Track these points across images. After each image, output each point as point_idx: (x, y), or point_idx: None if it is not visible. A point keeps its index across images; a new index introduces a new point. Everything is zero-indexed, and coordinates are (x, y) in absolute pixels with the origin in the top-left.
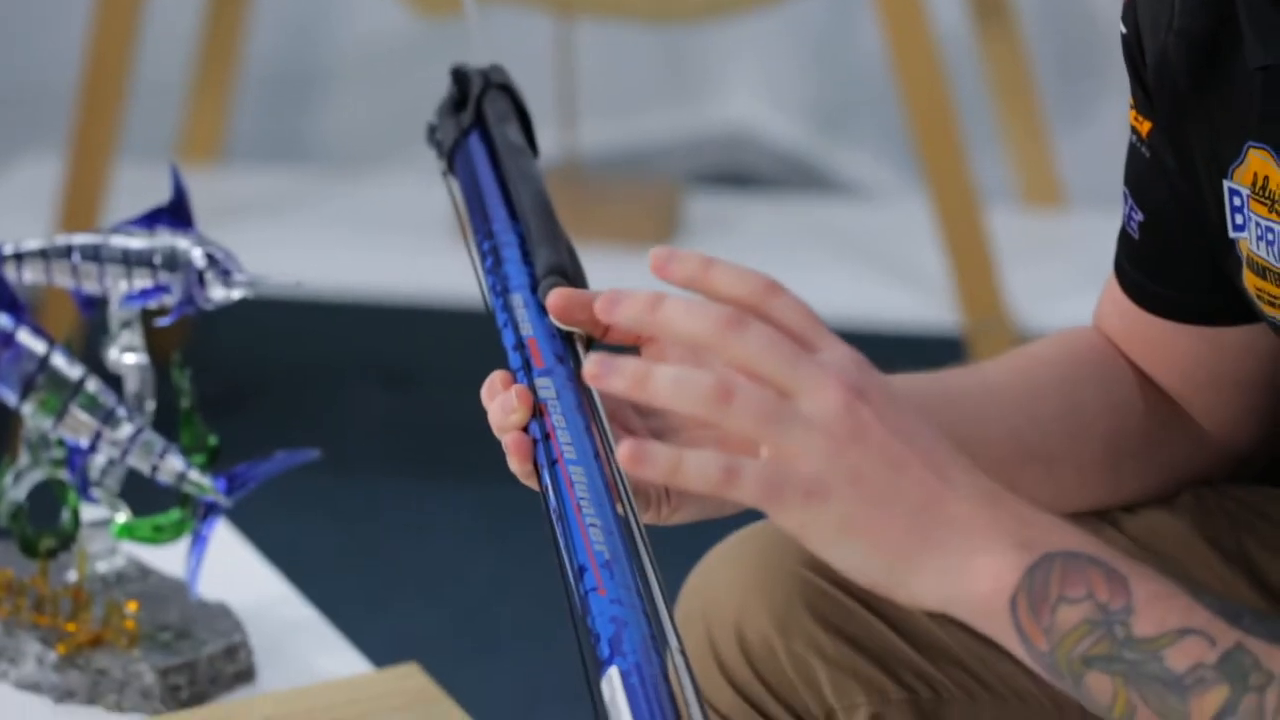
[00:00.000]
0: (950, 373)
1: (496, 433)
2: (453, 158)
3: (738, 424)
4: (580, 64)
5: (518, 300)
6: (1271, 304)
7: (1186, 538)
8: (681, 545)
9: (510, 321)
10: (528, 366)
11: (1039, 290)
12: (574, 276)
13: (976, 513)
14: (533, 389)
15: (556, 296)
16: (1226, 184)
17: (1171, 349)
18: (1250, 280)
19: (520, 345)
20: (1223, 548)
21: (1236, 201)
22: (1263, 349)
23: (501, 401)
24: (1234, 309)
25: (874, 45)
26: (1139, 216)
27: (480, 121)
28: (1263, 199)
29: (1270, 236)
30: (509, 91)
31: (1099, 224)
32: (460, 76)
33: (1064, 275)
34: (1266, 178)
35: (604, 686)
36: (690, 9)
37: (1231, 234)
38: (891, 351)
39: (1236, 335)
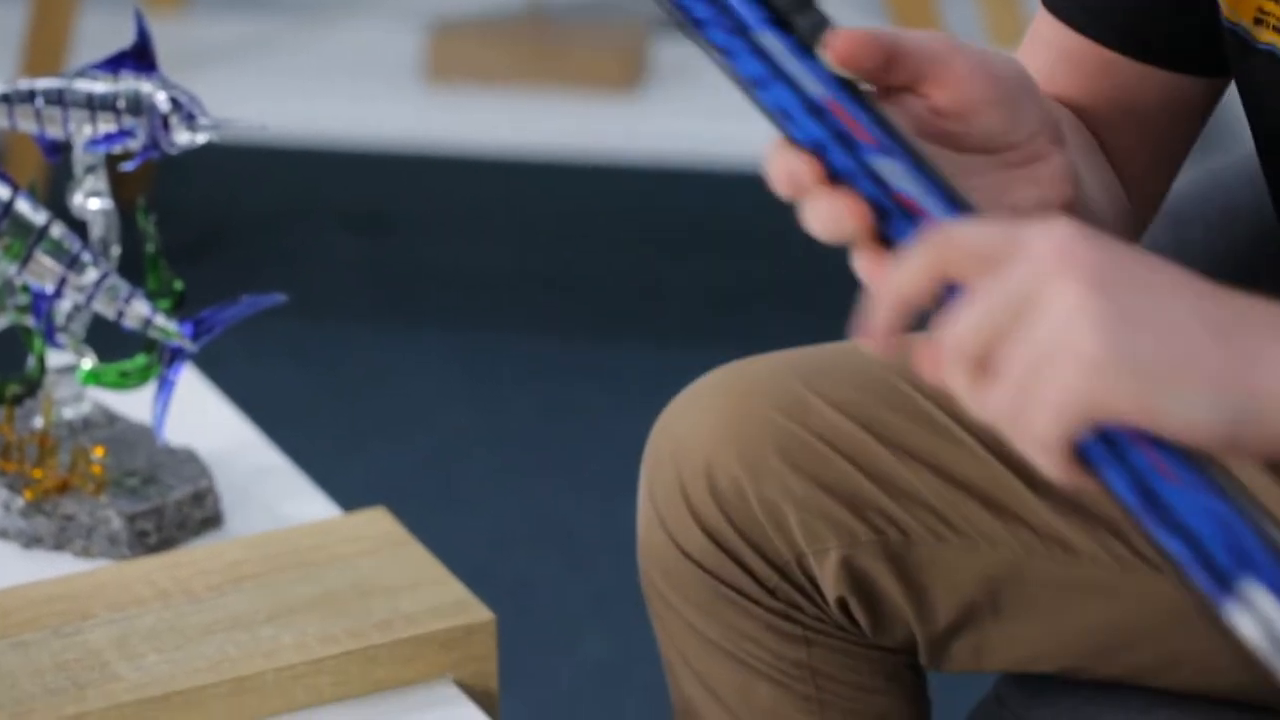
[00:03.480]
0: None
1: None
2: None
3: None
4: None
5: (770, 42)
6: (1258, 19)
7: None
8: (652, 385)
9: (774, 72)
10: (843, 139)
11: None
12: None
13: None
14: (865, 172)
15: (843, 39)
16: None
17: (1111, 82)
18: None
19: (816, 110)
20: None
21: None
22: (1195, 105)
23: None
24: (1194, 54)
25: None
26: None
27: None
28: None
29: None
30: None
31: None
32: None
33: None
34: None
35: (1242, 616)
36: None
37: None
38: None
39: (1180, 84)
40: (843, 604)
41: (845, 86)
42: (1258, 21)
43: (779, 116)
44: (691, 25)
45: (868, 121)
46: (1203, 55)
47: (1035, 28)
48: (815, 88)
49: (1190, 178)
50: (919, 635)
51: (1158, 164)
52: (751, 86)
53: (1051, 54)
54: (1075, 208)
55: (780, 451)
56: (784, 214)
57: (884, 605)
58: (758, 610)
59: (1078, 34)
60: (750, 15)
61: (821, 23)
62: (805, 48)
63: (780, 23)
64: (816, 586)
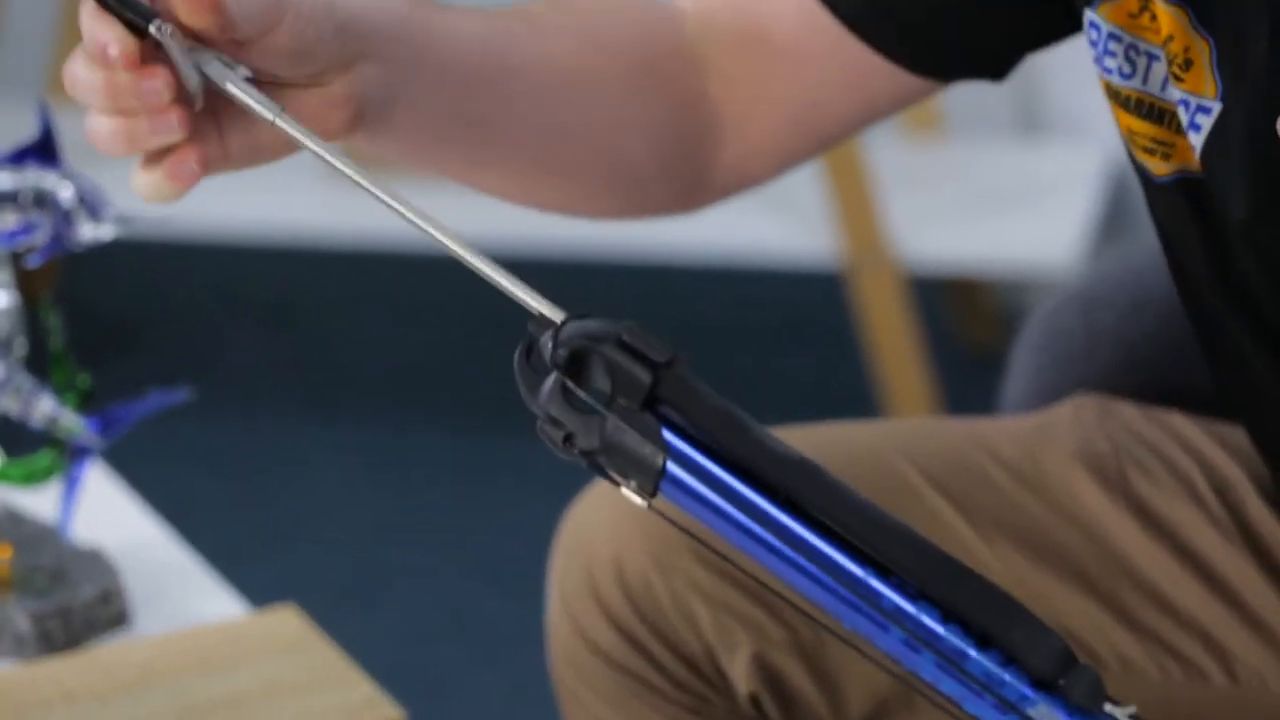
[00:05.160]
0: (500, 23)
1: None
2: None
3: None
4: None
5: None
6: (1148, 150)
7: (1067, 462)
8: (563, 479)
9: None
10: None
11: (920, 221)
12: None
13: None
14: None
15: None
16: (1088, 14)
17: (836, 60)
18: (1120, 118)
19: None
20: (1106, 477)
21: (1094, 36)
22: (877, 108)
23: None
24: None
25: None
26: None
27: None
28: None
29: (1134, 54)
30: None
31: (979, 153)
32: (578, 358)
33: (945, 205)
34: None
35: None
36: None
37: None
38: (769, 285)
39: (906, 82)
40: (754, 700)
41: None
42: (1149, 151)
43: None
44: None
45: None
46: (965, 63)
47: None
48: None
49: (1103, 263)
50: None
51: (794, 135)
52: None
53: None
54: (370, 122)
55: (689, 546)
56: (692, 304)
57: (797, 701)
58: (668, 706)
59: (832, 15)
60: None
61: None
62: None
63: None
64: (728, 682)
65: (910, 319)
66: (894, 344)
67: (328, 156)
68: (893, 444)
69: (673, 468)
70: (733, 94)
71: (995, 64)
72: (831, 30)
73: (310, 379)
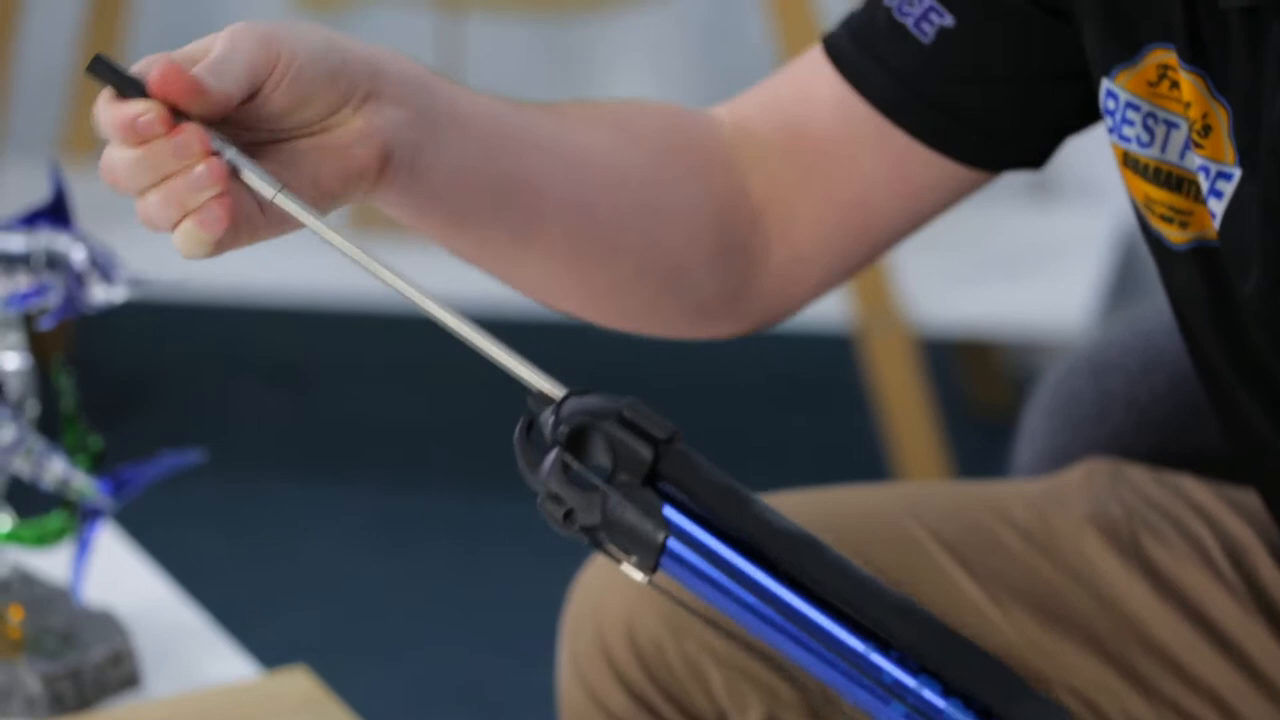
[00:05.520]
0: (523, 107)
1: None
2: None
3: None
4: (465, 60)
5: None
6: (1165, 217)
7: (1079, 526)
8: (573, 542)
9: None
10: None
11: (931, 284)
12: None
13: None
14: None
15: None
16: (1105, 83)
17: (873, 162)
18: (1135, 186)
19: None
20: (1118, 540)
21: (1111, 105)
22: (924, 204)
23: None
24: (995, 147)
25: (761, 38)
26: (944, 20)
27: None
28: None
29: (1152, 122)
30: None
31: (990, 216)
32: (579, 435)
33: (956, 268)
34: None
35: None
36: (577, 2)
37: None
38: (782, 348)
39: (951, 173)
40: None
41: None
42: (1166, 219)
43: None
44: None
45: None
46: (1011, 153)
47: (808, 70)
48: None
49: (1114, 327)
50: None
51: (842, 238)
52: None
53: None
54: (399, 168)
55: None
56: (703, 365)
57: None
58: None
59: (867, 103)
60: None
61: None
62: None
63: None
64: None
65: (921, 381)
66: (905, 406)
67: (326, 232)
68: (904, 506)
69: (674, 544)
70: (776, 194)
71: (1036, 148)
72: (871, 121)
73: (318, 439)
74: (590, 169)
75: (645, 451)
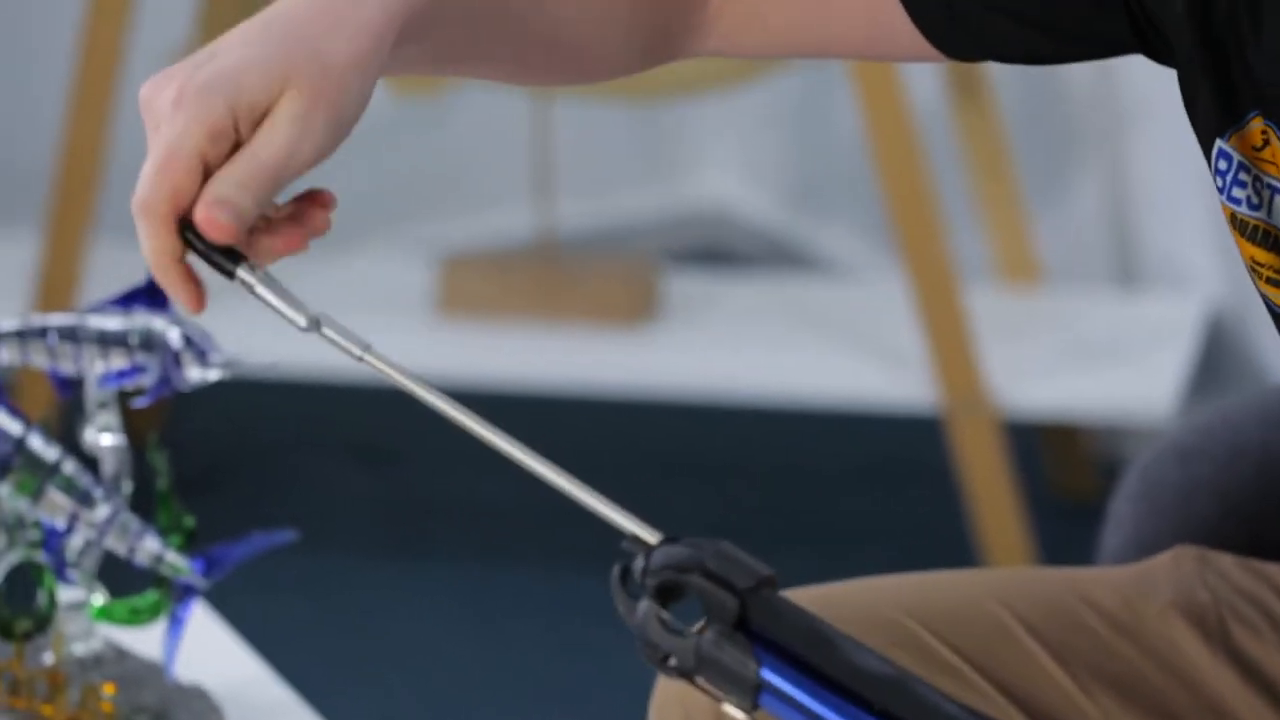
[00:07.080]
0: None
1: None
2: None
3: None
4: (557, 142)
5: None
6: (1272, 281)
7: (1166, 613)
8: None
9: None
10: None
11: (1018, 369)
12: None
13: None
14: None
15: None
16: (1219, 144)
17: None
18: (1244, 248)
19: None
20: (1205, 628)
21: (1223, 165)
22: (881, 48)
23: None
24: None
25: (851, 122)
26: None
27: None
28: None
29: (1260, 186)
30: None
31: (1077, 302)
32: (670, 588)
33: (1043, 353)
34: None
35: None
36: (667, 87)
37: (1223, 200)
38: (870, 430)
39: (926, 50)
40: None
41: None
42: (1273, 284)
43: None
44: None
45: None
46: (986, 56)
47: None
48: None
49: (1200, 414)
50: None
51: (792, 34)
52: None
53: None
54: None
55: None
56: (792, 448)
57: None
58: None
59: None
60: None
61: None
62: None
63: None
64: None
65: (1007, 466)
66: (991, 491)
67: (419, 391)
68: (990, 591)
69: (768, 677)
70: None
71: (1028, 59)
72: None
73: (407, 517)
74: None
75: (731, 602)
